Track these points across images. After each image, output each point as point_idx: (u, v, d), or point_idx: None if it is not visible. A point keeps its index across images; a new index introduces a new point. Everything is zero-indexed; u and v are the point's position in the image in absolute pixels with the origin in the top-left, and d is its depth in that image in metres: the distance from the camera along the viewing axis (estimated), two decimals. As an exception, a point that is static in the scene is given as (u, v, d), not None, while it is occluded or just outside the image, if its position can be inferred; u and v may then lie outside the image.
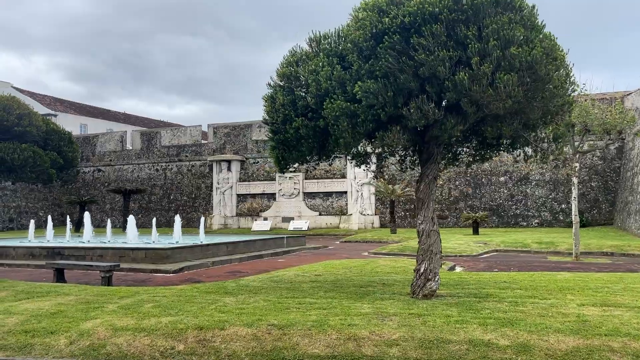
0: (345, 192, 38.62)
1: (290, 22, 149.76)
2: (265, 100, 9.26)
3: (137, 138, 47.01)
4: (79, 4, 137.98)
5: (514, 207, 35.20)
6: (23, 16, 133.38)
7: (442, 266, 15.47)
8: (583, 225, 32.76)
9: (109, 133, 49.67)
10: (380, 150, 11.16)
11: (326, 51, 8.54)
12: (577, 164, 18.93)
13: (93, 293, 9.48)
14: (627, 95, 32.30)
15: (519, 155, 10.54)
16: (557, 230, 30.83)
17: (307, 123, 8.41)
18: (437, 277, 8.64)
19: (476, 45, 7.13)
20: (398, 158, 12.11)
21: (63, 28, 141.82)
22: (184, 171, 44.42)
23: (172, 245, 17.41)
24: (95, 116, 66.08)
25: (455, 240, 23.46)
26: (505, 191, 35.52)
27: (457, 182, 36.51)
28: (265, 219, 39.82)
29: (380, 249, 21.73)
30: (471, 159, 11.30)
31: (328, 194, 39.23)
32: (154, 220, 23.03)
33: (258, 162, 41.85)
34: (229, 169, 41.69)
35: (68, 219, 25.49)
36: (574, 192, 18.98)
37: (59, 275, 13.16)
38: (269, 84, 9.38)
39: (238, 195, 41.77)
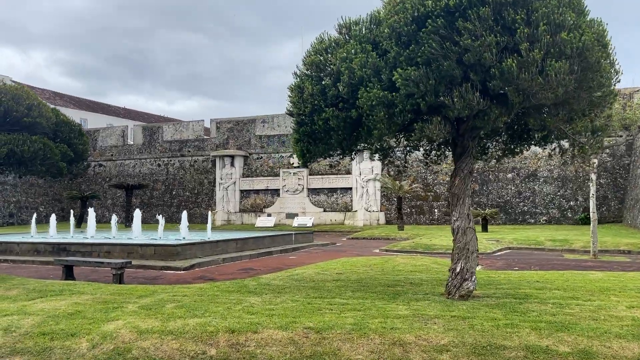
0: (350, 189, 38.18)
1: (291, 19, 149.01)
2: (291, 91, 8.80)
3: (138, 133, 46.48)
4: (81, 2, 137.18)
5: (521, 204, 34.80)
6: (24, 14, 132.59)
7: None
8: (592, 222, 32.43)
9: (110, 128, 49.11)
10: (407, 142, 10.76)
11: (358, 38, 8.08)
12: (596, 160, 18.51)
13: (109, 292, 9.03)
14: (636, 91, 31.91)
15: (553, 149, 10.11)
16: (566, 227, 30.43)
17: (337, 114, 7.95)
18: (474, 277, 8.21)
19: (525, 30, 6.67)
20: (422, 152, 11.71)
21: (64, 25, 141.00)
22: (187, 166, 43.92)
23: (182, 242, 16.96)
24: (95, 111, 65.49)
25: (466, 238, 23.03)
26: (512, 188, 35.12)
27: (463, 179, 36.05)
28: (269, 215, 39.37)
29: (391, 247, 21.31)
30: (500, 153, 10.89)
31: (332, 190, 38.79)
32: (161, 216, 22.55)
33: (262, 157, 41.36)
34: (232, 165, 41.20)
35: (72, 215, 24.99)
36: (592, 189, 18.58)
37: (68, 272, 12.70)
38: (295, 74, 8.92)
39: (241, 191, 41.30)
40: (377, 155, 11.31)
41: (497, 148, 10.81)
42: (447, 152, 11.45)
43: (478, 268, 14.95)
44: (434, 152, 11.40)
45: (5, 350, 6.20)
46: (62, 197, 47.09)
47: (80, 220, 37.36)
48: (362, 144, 9.70)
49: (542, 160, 34.50)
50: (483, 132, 7.77)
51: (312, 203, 38.98)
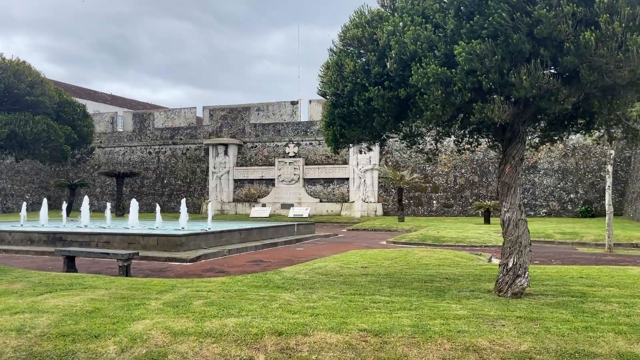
0: (347, 179, 37.51)
1: (278, 8, 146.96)
2: (327, 68, 8.05)
3: (128, 120, 45.32)
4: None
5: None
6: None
7: (481, 257, 14.50)
8: (592, 215, 32.18)
9: (98, 114, 47.83)
10: (439, 128, 10.13)
11: (405, 10, 7.36)
12: (613, 151, 18.03)
13: (124, 286, 8.26)
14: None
15: (602, 135, 9.52)
16: (568, 220, 30.07)
17: (383, 93, 7.23)
18: (527, 273, 7.59)
19: (605, 0, 6.00)
20: (454, 139, 11.07)
21: (46, 9, 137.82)
22: (179, 155, 42.91)
23: (186, 232, 16.18)
24: (81, 97, 63.83)
25: (473, 230, 22.52)
26: (512, 180, 34.65)
27: (463, 170, 35.59)
28: (264, 205, 38.60)
29: (398, 238, 20.70)
30: (538, 141, 10.28)
31: (329, 181, 38.09)
32: (157, 205, 21.71)
33: (256, 146, 40.49)
34: (225, 153, 40.29)
35: (64, 203, 24.02)
36: (608, 181, 18.09)
37: (70, 264, 11.88)
38: (332, 50, 8.18)
39: (235, 181, 40.44)
40: (404, 142, 10.62)
41: (535, 135, 10.21)
42: (479, 139, 10.83)
43: (496, 261, 14.40)
44: (466, 139, 10.79)
45: (21, 354, 5.44)
46: (49, 185, 45.84)
47: (70, 209, 36.23)
48: (391, 130, 9.05)
49: (542, 152, 34.10)
50: (555, 113, 7.08)
51: (308, 193, 38.27)
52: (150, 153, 43.73)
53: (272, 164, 39.34)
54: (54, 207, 40.59)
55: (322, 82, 8.52)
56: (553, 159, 33.91)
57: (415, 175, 32.19)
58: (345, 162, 37.68)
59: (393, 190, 36.47)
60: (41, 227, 19.91)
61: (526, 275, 7.53)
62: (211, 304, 6.93)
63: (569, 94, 6.50)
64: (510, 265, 7.53)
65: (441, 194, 35.80)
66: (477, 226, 25.42)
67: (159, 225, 21.20)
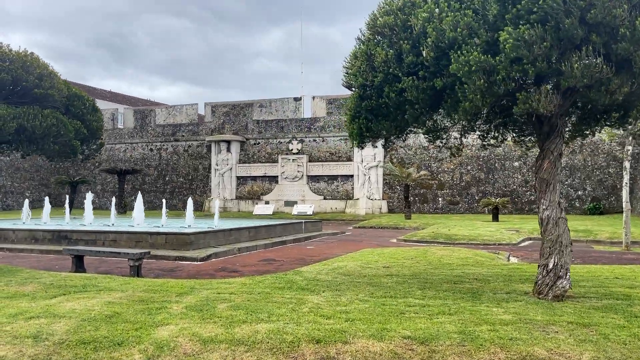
0: (352, 176, 37.10)
1: (276, 4, 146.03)
2: (355, 59, 7.64)
3: (129, 116, 44.84)
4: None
5: (528, 193, 34.03)
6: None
7: (499, 256, 14.12)
8: (600, 212, 31.81)
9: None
10: (465, 122, 9.72)
11: (440, -4, 6.93)
12: (630, 148, 17.64)
13: (140, 288, 7.85)
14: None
15: (638, 129, 9.13)
16: (576, 217, 29.66)
17: (417, 83, 6.82)
18: (569, 274, 7.19)
19: (664, -17, 5.60)
20: (479, 134, 10.66)
21: (44, 6, 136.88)
22: (180, 151, 42.45)
23: (195, 230, 15.76)
24: (81, 93, 63.28)
25: (483, 228, 22.13)
26: (519, 177, 34.34)
27: (468, 167, 35.21)
28: (267, 202, 38.18)
29: (409, 236, 20.31)
30: (568, 135, 9.87)
31: (333, 178, 37.67)
32: (164, 203, 21.28)
33: (259, 143, 40.06)
34: (228, 150, 39.85)
35: (67, 200, 23.56)
36: (625, 178, 17.73)
37: (78, 263, 11.47)
38: (359, 39, 7.77)
39: (238, 178, 40.01)
40: (427, 137, 10.23)
41: (566, 129, 9.80)
42: (505, 134, 10.43)
43: (515, 260, 14.02)
44: (491, 133, 10.39)
45: (40, 364, 5.03)
46: (49, 182, 45.37)
47: (71, 206, 35.75)
48: (414, 124, 8.65)
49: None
50: (606, 105, 6.66)
51: (311, 190, 37.86)
52: (151, 150, 43.26)
53: (275, 161, 38.92)
54: (54, 205, 40.01)
55: (347, 73, 8.12)
56: (560, 156, 33.50)
57: (422, 172, 31.78)
58: (350, 159, 37.28)
59: (398, 187, 36.10)
60: (45, 225, 19.48)
61: (567, 277, 7.14)
62: (237, 307, 6.52)
63: (621, 84, 6.10)
64: (550, 266, 7.13)
65: (447, 191, 35.43)
66: (487, 224, 25.04)
67: (164, 223, 20.80)
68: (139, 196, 21.13)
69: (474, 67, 6.06)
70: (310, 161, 38.11)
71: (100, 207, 39.69)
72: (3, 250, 15.78)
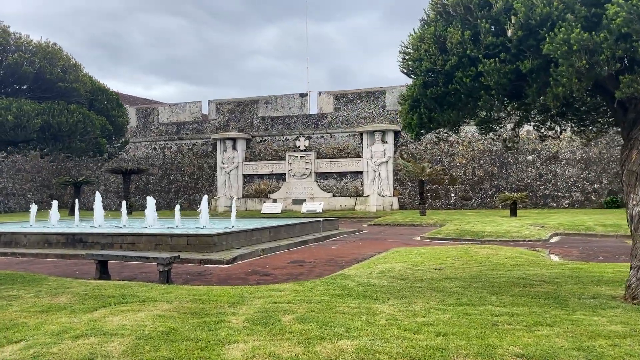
0: (361, 172, 36.39)
1: (271, 2, 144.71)
2: (421, 41, 6.93)
3: (132, 114, 43.95)
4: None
5: (542, 187, 33.41)
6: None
7: (541, 254, 13.43)
8: (617, 206, 31.19)
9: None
10: (519, 112, 9.04)
11: (521, -31, 6.23)
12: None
13: (185, 297, 7.14)
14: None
15: None
16: (595, 211, 29.06)
17: (498, 67, 6.12)
18: (665, 275, 6.52)
19: None
20: (533, 125, 9.96)
21: (39, 7, 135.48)
22: (185, 150, 41.65)
23: (218, 231, 15.04)
24: (80, 93, 62.34)
25: (507, 224, 21.46)
26: (533, 170, 33.69)
27: (481, 161, 34.55)
28: (275, 200, 37.46)
29: (433, 234, 19.63)
30: None
31: (342, 174, 36.95)
32: (177, 203, 20.52)
33: (265, 140, 39.30)
34: (234, 148, 39.07)
35: (76, 202, 22.80)
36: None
37: (103, 269, 10.76)
38: (424, 20, 7.06)
39: (244, 176, 39.25)
40: (479, 128, 9.53)
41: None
42: (563, 124, 9.74)
43: (556, 258, 13.35)
44: (548, 123, 9.70)
45: (100, 394, 4.31)
46: (50, 183, 44.54)
47: (73, 208, 34.94)
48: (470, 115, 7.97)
49: (564, 142, 33.10)
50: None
51: (320, 188, 37.14)
52: (155, 149, 42.46)
53: (283, 158, 38.17)
54: (57, 206, 39.25)
55: (404, 59, 7.42)
56: (575, 149, 32.91)
57: (437, 167, 31.08)
58: (359, 155, 36.58)
59: (409, 183, 35.44)
60: (59, 228, 18.74)
61: (664, 279, 6.47)
62: (304, 320, 5.82)
63: None
64: (645, 267, 6.46)
65: (459, 186, 34.77)
66: (507, 219, 24.39)
67: (178, 223, 20.11)
68: (150, 198, 20.36)
69: (575, 47, 5.37)
70: (318, 158, 37.38)
71: (104, 208, 38.89)
72: (16, 255, 15.03)
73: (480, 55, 6.18)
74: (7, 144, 8.38)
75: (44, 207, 38.65)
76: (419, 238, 19.40)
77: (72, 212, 34.80)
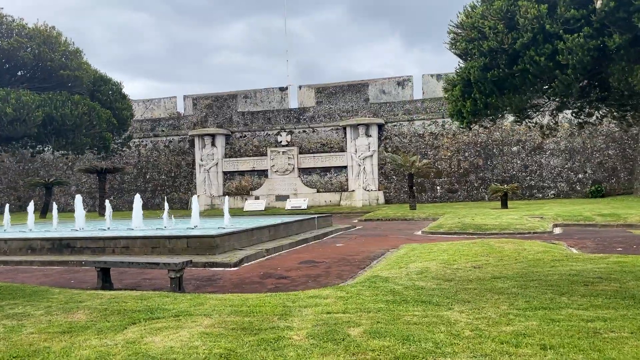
0: (345, 167, 35.76)
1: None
2: (484, 18, 6.25)
3: (103, 112, 42.37)
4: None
5: (528, 178, 33.34)
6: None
7: (556, 244, 12.98)
8: (602, 195, 31.35)
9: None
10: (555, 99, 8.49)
11: None
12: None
13: (225, 310, 6.31)
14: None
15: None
16: (582, 201, 29.03)
17: (581, 42, 5.49)
18: None
19: None
20: (572, 111, 9.42)
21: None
22: (161, 147, 40.31)
23: (220, 232, 14.17)
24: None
25: (505, 216, 21.11)
26: (518, 162, 33.60)
27: (466, 153, 34.29)
28: (257, 198, 36.54)
29: (433, 228, 19.10)
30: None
31: (326, 169, 36.25)
32: (166, 203, 19.51)
33: (245, 135, 38.29)
34: (213, 144, 37.96)
35: (54, 205, 21.50)
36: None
37: (105, 277, 9.82)
38: (482, -6, 6.39)
39: (224, 173, 38.18)
40: (515, 116, 8.94)
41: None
42: (603, 110, 9.23)
43: (574, 250, 12.92)
44: (586, 109, 9.16)
45: None
46: (17, 185, 42.63)
47: (46, 210, 33.35)
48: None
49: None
50: None
51: (304, 184, 36.37)
52: (129, 147, 40.93)
53: (264, 154, 37.25)
54: (22, 210, 37.51)
55: (457, 39, 6.74)
56: (559, 139, 32.91)
57: (425, 160, 30.65)
58: (342, 150, 35.93)
59: (395, 177, 34.99)
60: (42, 232, 17.55)
61: None
62: (377, 333, 5.10)
63: None
64: None
65: (445, 179, 34.46)
66: (500, 211, 24.08)
67: (166, 224, 19.12)
68: (137, 197, 19.30)
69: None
70: (301, 153, 36.60)
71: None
72: (-2, 263, 13.87)
73: (561, 31, 5.54)
74: (3, 141, 7.41)
75: (12, 209, 36.84)
76: (420, 233, 18.86)
77: (43, 215, 33.22)
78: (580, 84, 6.46)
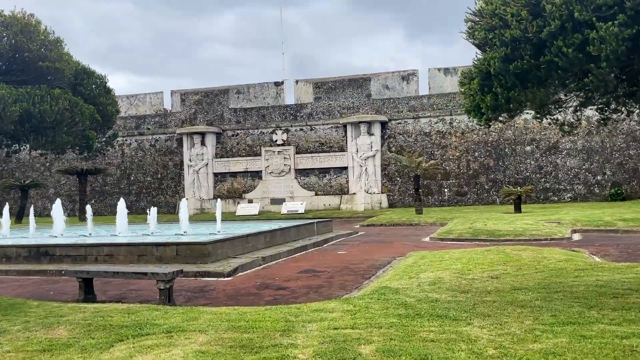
0: (346, 168, 35.62)
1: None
2: (503, 4, 6.13)
3: (84, 108, 42.18)
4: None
5: (542, 180, 33.27)
6: None
7: (577, 252, 12.87)
8: (622, 198, 31.29)
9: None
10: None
11: None
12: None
13: (222, 326, 6.15)
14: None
15: None
16: (601, 205, 28.97)
17: (615, 31, 5.36)
18: None
19: None
20: (597, 107, 9.34)
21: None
22: (146, 147, 40.13)
23: (212, 239, 14.03)
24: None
25: (519, 221, 20.99)
26: (532, 162, 33.52)
27: (476, 154, 34.20)
28: (251, 201, 36.37)
29: (443, 234, 18.98)
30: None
31: (325, 171, 36.11)
32: (154, 208, 19.32)
33: (238, 134, 38.14)
34: (202, 143, 37.77)
35: (32, 209, 21.33)
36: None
37: (87, 289, 9.67)
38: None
39: (215, 174, 38.01)
40: (537, 112, 8.83)
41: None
42: (630, 106, 9.13)
43: (597, 258, 12.80)
44: (612, 106, 9.08)
45: None
46: (-10, 187, 42.32)
47: (22, 214, 33.11)
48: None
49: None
50: None
51: (301, 186, 36.23)
52: (113, 146, 40.74)
53: (258, 154, 37.08)
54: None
55: (476, 28, 6.62)
56: (577, 138, 32.83)
57: (432, 161, 30.55)
58: (343, 149, 35.81)
59: (399, 179, 34.89)
60: (16, 239, 17.38)
61: None
62: (392, 352, 4.96)
63: None
64: None
65: (453, 181, 34.37)
66: (514, 216, 23.97)
67: (153, 230, 18.93)
68: (121, 200, 19.15)
69: None
70: (298, 153, 36.44)
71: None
72: (-31, 272, 13.68)
73: (593, 19, 5.42)
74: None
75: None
76: (428, 239, 18.74)
77: (19, 220, 33.00)
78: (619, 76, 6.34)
